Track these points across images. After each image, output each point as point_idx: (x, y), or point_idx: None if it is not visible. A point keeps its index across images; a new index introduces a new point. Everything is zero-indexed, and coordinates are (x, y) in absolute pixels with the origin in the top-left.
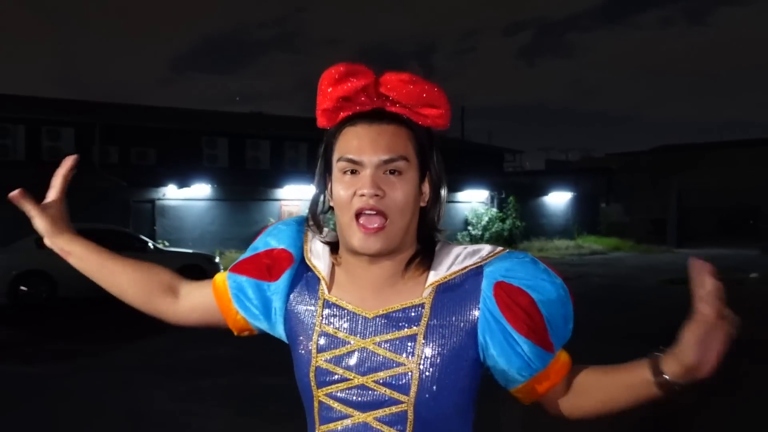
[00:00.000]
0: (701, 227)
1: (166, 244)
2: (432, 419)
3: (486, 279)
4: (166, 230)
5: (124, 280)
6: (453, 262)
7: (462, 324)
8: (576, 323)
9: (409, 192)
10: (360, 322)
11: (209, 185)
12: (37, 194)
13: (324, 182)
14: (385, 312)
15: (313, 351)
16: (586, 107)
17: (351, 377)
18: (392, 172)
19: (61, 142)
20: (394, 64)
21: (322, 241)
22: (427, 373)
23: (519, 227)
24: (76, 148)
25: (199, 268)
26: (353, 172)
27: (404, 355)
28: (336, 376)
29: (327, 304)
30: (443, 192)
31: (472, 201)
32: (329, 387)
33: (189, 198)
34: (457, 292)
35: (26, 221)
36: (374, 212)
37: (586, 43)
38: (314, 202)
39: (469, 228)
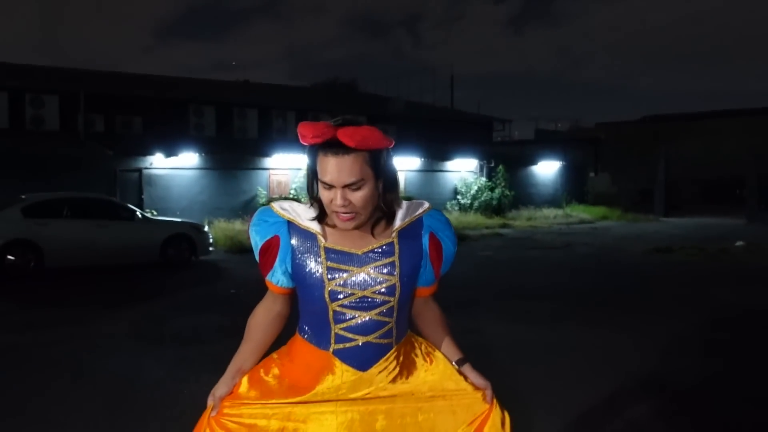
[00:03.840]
0: (688, 196)
1: (154, 213)
2: (402, 308)
3: (425, 227)
4: (153, 199)
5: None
6: (405, 214)
7: (416, 251)
8: (562, 289)
9: (368, 195)
10: (354, 257)
11: (197, 154)
12: (19, 160)
13: (315, 178)
14: (370, 249)
15: (325, 279)
16: (575, 76)
17: (356, 292)
18: (354, 187)
19: (44, 111)
20: (380, 35)
21: (309, 217)
22: (404, 280)
23: (508, 196)
24: (61, 117)
25: (187, 237)
26: (330, 187)
27: (389, 273)
28: (345, 293)
29: (327, 249)
30: (397, 185)
31: (462, 170)
32: (341, 300)
33: (176, 167)
34: (411, 234)
35: (11, 191)
36: (345, 212)
37: (574, 12)
38: (309, 187)
39: (458, 197)
